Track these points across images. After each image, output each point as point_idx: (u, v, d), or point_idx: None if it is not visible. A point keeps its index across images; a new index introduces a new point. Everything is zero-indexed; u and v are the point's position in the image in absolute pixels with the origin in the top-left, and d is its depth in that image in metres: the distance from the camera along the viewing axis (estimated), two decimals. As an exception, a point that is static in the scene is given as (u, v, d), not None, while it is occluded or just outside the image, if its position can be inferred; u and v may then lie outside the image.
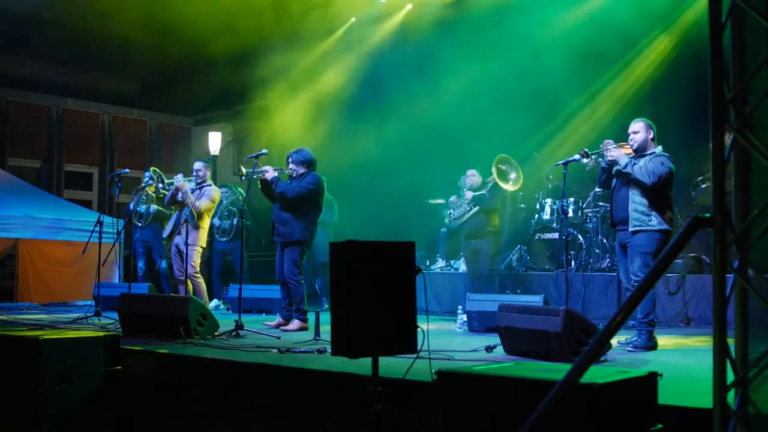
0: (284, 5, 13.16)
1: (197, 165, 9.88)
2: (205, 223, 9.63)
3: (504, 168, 9.86)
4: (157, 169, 10.77)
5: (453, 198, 10.38)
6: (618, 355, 5.93)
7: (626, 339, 6.63)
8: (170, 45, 15.34)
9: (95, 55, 16.39)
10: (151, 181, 10.68)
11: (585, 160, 7.03)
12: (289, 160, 8.47)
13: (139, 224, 11.31)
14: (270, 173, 8.34)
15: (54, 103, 16.96)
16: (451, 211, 10.34)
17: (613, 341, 6.33)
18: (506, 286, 10.76)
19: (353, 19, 14.55)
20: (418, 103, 12.86)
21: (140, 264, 11.64)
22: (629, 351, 6.24)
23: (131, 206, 11.31)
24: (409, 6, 14.06)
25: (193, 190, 9.54)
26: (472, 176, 10.14)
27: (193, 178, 9.73)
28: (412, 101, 13.01)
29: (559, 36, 11.60)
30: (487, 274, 9.91)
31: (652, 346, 6.32)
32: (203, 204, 9.42)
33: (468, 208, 9.94)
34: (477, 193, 9.92)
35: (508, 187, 9.98)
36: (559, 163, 7.47)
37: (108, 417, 5.70)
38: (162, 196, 10.84)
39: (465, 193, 10.01)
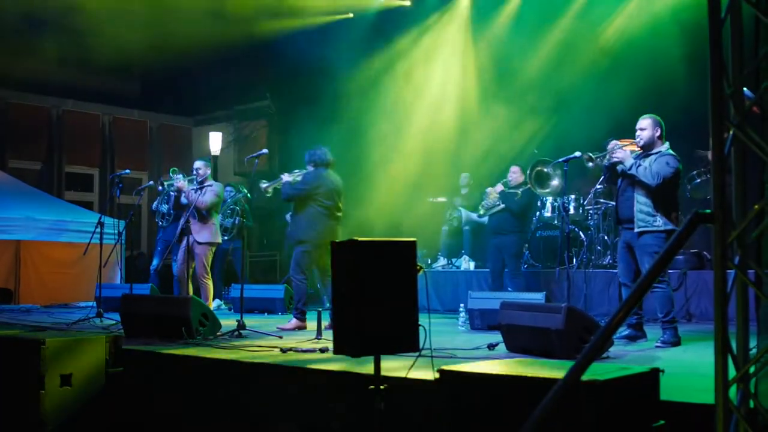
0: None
1: (197, 164, 9.87)
2: (215, 219, 9.58)
3: (547, 171, 9.59)
4: (176, 169, 10.76)
5: (489, 189, 10.10)
6: (620, 352, 5.92)
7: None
8: (170, 46, 15.36)
9: (95, 56, 16.39)
10: (168, 181, 10.68)
11: (590, 164, 7.04)
12: (304, 160, 8.63)
13: (163, 224, 11.28)
14: (284, 179, 8.53)
15: (54, 104, 16.97)
16: (485, 201, 10.12)
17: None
18: (507, 284, 10.74)
19: (351, 15, 14.55)
20: (420, 102, 12.87)
21: (155, 261, 11.60)
22: (657, 347, 6.29)
23: (154, 206, 11.33)
24: (407, 2, 14.07)
25: (195, 190, 9.50)
26: (514, 173, 9.88)
27: (194, 177, 9.72)
28: (413, 99, 13.03)
29: (560, 32, 11.62)
30: (514, 272, 9.83)
31: (677, 341, 6.39)
32: (208, 199, 9.36)
33: (497, 203, 9.82)
34: (509, 191, 9.78)
35: (545, 192, 9.82)
36: (560, 160, 7.46)
37: (110, 418, 5.70)
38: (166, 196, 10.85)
39: (497, 186, 9.84)
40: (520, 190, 9.73)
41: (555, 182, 9.60)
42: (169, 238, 11.13)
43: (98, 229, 9.57)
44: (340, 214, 8.48)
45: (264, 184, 8.91)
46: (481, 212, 10.46)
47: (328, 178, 8.40)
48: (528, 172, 9.56)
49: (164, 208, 11.17)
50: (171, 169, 10.87)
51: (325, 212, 8.33)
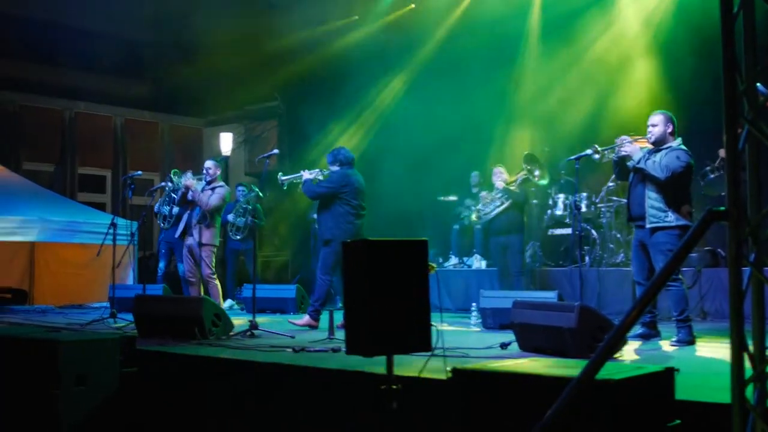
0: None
1: (208, 164, 9.91)
2: (217, 222, 9.67)
3: (528, 167, 9.72)
4: (177, 171, 10.79)
5: (484, 193, 10.25)
6: (634, 351, 5.90)
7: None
8: (181, 47, 15.42)
9: (107, 58, 16.46)
10: (169, 183, 10.72)
11: (596, 156, 7.02)
12: (327, 160, 8.69)
13: (165, 225, 11.32)
14: (305, 176, 8.57)
15: (66, 106, 17.05)
16: (480, 206, 10.20)
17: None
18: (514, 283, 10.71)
19: (356, 17, 14.56)
20: (429, 101, 12.85)
21: (161, 264, 11.66)
22: (672, 346, 6.26)
23: (156, 207, 11.35)
24: (412, 5, 14.07)
25: (203, 189, 9.55)
26: (500, 173, 9.95)
27: (204, 176, 9.77)
28: (421, 99, 13.01)
29: (570, 29, 11.59)
30: (518, 270, 9.83)
31: (692, 340, 6.34)
32: (214, 203, 9.42)
33: (498, 203, 9.83)
34: (510, 187, 9.82)
35: (539, 183, 9.90)
36: (571, 158, 7.44)
37: (124, 418, 5.72)
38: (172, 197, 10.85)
39: (497, 185, 9.89)
40: (514, 185, 9.82)
41: (537, 172, 9.76)
42: (170, 239, 11.21)
43: (111, 231, 9.61)
44: (364, 213, 8.50)
45: (283, 177, 8.97)
46: (473, 218, 10.56)
47: (354, 177, 8.43)
48: (523, 165, 9.72)
49: (166, 209, 11.19)
50: (173, 171, 10.91)
51: (352, 211, 8.34)
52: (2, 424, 5.62)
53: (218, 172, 9.79)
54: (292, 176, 8.88)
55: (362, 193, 8.48)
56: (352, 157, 8.55)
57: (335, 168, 8.49)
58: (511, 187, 9.77)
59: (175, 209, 11.07)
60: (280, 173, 9.08)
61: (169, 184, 10.70)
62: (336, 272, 8.45)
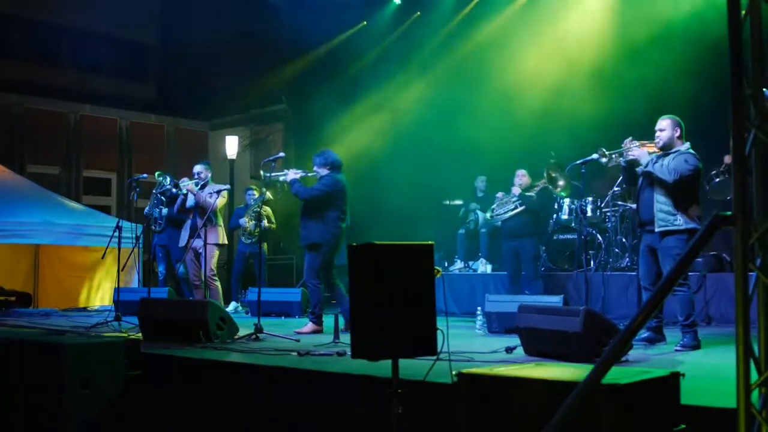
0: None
1: (198, 168, 10.00)
2: (219, 220, 9.77)
3: (554, 175, 9.68)
4: (161, 172, 10.83)
5: (500, 194, 10.19)
6: (640, 356, 5.88)
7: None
8: (186, 50, 15.45)
9: (112, 61, 16.51)
10: (167, 186, 10.75)
11: (603, 160, 7.01)
12: (314, 162, 8.48)
13: (156, 228, 11.34)
14: (290, 175, 8.38)
15: (72, 109, 17.08)
16: (495, 206, 10.17)
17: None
18: (524, 288, 10.69)
19: (364, 23, 14.60)
20: (435, 105, 12.86)
21: (160, 268, 11.68)
22: (677, 350, 6.26)
23: (146, 211, 11.37)
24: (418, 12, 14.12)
25: (209, 193, 9.63)
26: (522, 176, 9.91)
27: (196, 180, 9.82)
28: (427, 103, 13.02)
29: (577, 33, 11.60)
30: (532, 275, 9.80)
31: (697, 345, 6.34)
32: (219, 203, 9.55)
33: (513, 207, 9.80)
34: (526, 193, 9.79)
35: (557, 192, 9.85)
36: (578, 162, 7.44)
37: (129, 421, 5.72)
38: (171, 197, 10.86)
39: (513, 189, 9.85)
40: (534, 191, 9.75)
41: (561, 182, 9.71)
42: (164, 242, 11.23)
43: (116, 233, 9.62)
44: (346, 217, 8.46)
45: (267, 173, 8.65)
46: (488, 216, 10.54)
47: (344, 182, 8.34)
48: (545, 173, 9.63)
49: (156, 212, 11.26)
50: (157, 173, 10.94)
51: (341, 216, 8.27)
52: (7, 427, 5.63)
53: (209, 175, 9.91)
54: (276, 173, 8.66)
55: (347, 198, 8.42)
56: (341, 161, 8.43)
57: (324, 171, 8.31)
58: (528, 193, 9.74)
59: (164, 211, 11.13)
60: (261, 170, 8.88)
61: (166, 186, 10.74)
62: (321, 276, 8.31)
